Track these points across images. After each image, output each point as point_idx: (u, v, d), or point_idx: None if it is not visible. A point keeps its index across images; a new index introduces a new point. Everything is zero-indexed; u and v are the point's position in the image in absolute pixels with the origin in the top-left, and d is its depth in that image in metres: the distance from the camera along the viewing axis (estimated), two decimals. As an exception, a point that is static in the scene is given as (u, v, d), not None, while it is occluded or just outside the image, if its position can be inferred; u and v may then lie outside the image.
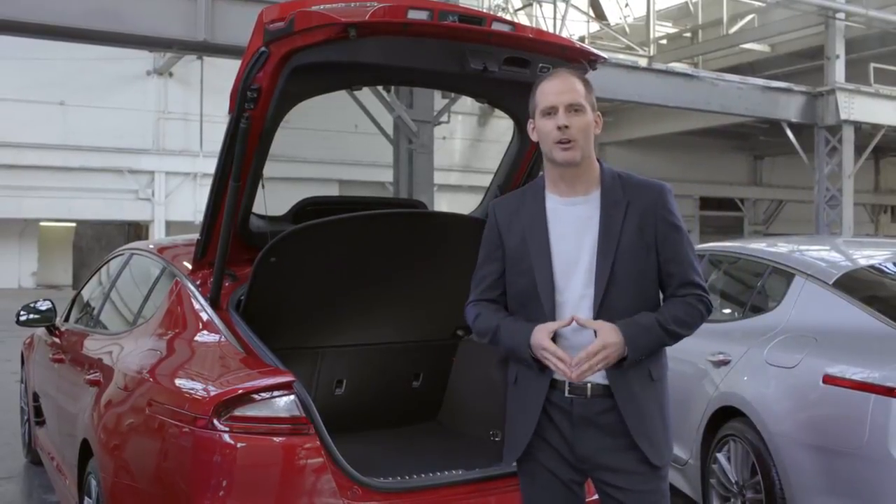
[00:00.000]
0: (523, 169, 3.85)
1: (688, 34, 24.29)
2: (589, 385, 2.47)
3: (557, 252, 2.52)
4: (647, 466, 2.49)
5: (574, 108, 2.47)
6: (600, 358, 2.38)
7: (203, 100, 23.73)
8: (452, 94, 12.02)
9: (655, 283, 2.52)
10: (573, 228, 2.52)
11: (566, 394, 2.49)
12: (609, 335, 2.39)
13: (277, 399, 2.83)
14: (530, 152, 3.79)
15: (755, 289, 4.95)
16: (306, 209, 3.76)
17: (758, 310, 4.78)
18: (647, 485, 2.50)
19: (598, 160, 2.59)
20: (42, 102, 22.64)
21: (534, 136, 2.58)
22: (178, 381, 3.14)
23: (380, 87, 11.80)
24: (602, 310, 2.46)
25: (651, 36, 21.82)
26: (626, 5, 23.82)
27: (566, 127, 2.45)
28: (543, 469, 2.57)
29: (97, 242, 27.61)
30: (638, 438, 2.45)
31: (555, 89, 2.49)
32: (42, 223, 25.71)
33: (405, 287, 3.88)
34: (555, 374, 2.51)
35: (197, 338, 3.38)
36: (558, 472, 2.55)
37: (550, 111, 2.48)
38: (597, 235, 2.48)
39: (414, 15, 2.86)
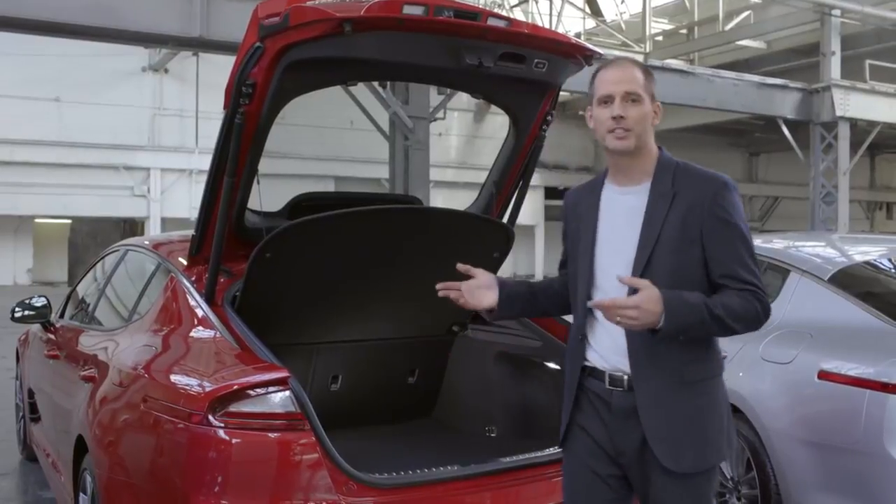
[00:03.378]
0: (519, 165, 3.84)
1: (684, 31, 24.31)
2: (626, 377, 2.43)
3: (603, 241, 2.51)
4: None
5: (631, 98, 2.43)
6: (630, 315, 2.26)
7: (199, 96, 23.67)
8: (448, 91, 12.02)
9: (699, 280, 2.40)
10: (623, 218, 2.48)
11: (606, 385, 2.46)
12: (647, 300, 2.25)
13: (273, 395, 2.82)
14: (526, 148, 3.79)
15: (751, 285, 4.95)
16: (302, 205, 3.75)
17: (753, 306, 4.78)
18: (684, 484, 2.41)
19: (660, 148, 2.54)
20: (37, 99, 22.58)
21: (590, 124, 2.55)
22: (173, 377, 3.14)
23: (375, 84, 11.80)
24: None
25: (647, 32, 21.81)
26: (622, 2, 23.83)
27: (621, 117, 2.42)
28: (582, 464, 2.53)
29: (92, 239, 27.56)
30: (652, 440, 2.38)
31: (612, 78, 2.46)
32: (37, 220, 25.67)
33: (401, 283, 3.88)
34: (587, 362, 2.51)
35: (192, 334, 3.37)
36: (597, 467, 2.50)
37: (607, 100, 2.45)
38: (640, 226, 2.44)
39: (409, 10, 2.85)
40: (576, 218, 2.62)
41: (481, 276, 2.67)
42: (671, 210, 2.41)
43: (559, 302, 2.73)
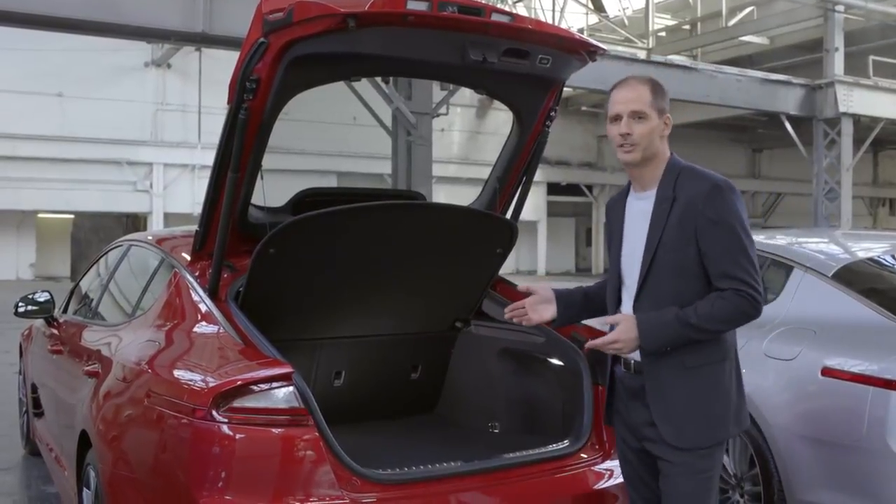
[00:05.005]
0: (522, 161, 3.84)
1: (686, 26, 24.30)
2: (632, 361, 2.71)
3: (625, 243, 2.77)
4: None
5: (638, 116, 2.63)
6: (613, 349, 2.66)
7: (201, 91, 23.71)
8: (451, 86, 12.02)
9: (700, 275, 2.62)
10: (637, 223, 2.73)
11: (622, 368, 2.76)
12: (623, 331, 2.61)
13: (276, 390, 2.82)
14: (529, 144, 3.78)
15: (754, 281, 4.94)
16: (305, 200, 3.76)
17: (756, 302, 4.77)
18: (686, 459, 2.62)
19: (672, 154, 2.73)
20: (40, 94, 22.64)
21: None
22: (176, 373, 3.13)
23: (378, 79, 11.80)
24: (641, 297, 2.67)
25: (650, 28, 21.80)
26: (625, -3, 23.80)
27: (628, 134, 2.64)
28: (619, 442, 2.85)
29: (95, 234, 27.62)
30: (657, 419, 2.63)
31: (620, 98, 2.67)
32: (40, 215, 25.71)
33: (404, 278, 3.88)
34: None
35: (195, 329, 3.37)
36: (625, 444, 2.81)
37: (616, 118, 2.67)
38: (647, 229, 2.68)
39: (413, 6, 2.85)
40: (609, 223, 2.89)
41: (541, 291, 2.92)
42: (671, 213, 2.62)
43: None
